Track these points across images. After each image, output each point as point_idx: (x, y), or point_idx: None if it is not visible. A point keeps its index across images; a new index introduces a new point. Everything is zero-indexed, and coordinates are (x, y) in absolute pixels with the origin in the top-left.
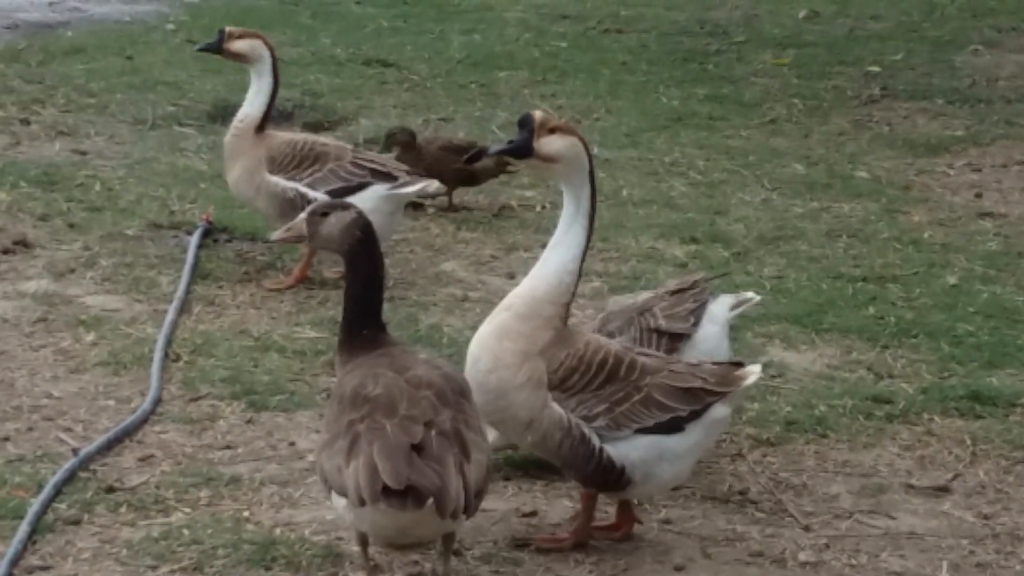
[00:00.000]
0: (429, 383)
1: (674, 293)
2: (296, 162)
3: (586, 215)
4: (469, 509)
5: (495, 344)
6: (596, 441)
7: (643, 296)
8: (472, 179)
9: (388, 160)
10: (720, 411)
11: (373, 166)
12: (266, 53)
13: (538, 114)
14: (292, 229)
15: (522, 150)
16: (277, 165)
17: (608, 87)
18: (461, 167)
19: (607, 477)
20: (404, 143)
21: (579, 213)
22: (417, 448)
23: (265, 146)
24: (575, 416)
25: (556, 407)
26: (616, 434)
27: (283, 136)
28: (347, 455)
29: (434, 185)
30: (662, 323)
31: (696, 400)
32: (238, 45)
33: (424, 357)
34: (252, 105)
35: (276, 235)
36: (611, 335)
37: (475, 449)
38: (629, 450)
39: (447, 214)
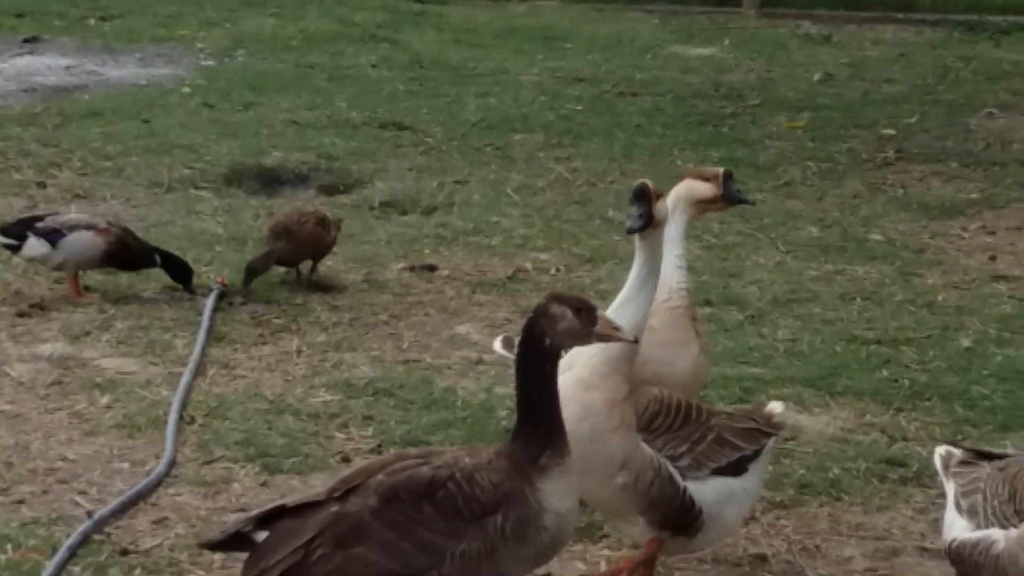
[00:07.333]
0: None
1: None
2: None
3: (659, 273)
4: None
5: (581, 394)
6: (680, 480)
7: None
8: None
9: None
10: (769, 452)
11: None
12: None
13: (650, 183)
14: None
15: (650, 221)
16: None
17: (623, 150)
18: (334, 238)
19: (685, 518)
20: (277, 236)
21: (652, 272)
22: None
23: None
24: (661, 455)
25: (647, 447)
26: (696, 473)
27: None
28: None
29: None
30: None
31: (755, 440)
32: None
33: None
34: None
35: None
36: None
37: None
38: (705, 490)
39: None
